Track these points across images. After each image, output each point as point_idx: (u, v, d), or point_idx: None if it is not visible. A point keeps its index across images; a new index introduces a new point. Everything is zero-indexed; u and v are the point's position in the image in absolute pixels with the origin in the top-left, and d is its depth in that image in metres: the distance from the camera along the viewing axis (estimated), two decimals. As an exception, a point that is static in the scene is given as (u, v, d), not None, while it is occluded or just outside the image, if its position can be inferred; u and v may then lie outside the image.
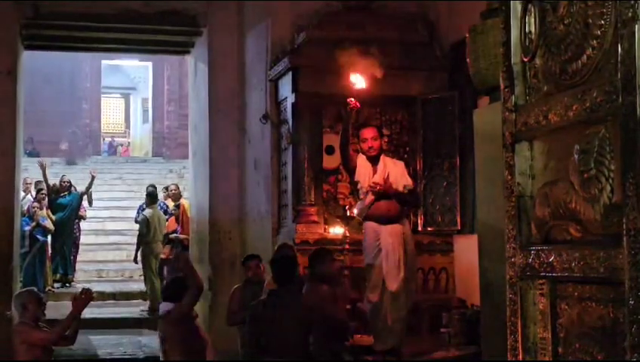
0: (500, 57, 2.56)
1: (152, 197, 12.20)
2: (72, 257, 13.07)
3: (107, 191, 18.10)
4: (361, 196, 6.37)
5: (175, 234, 11.97)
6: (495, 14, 4.17)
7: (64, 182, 13.09)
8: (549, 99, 2.30)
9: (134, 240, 12.61)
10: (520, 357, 2.40)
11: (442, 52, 7.56)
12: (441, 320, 6.73)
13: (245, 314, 5.61)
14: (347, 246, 6.79)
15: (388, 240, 6.11)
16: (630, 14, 1.94)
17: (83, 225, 13.75)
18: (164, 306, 5.62)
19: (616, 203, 2.02)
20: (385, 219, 6.16)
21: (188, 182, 12.44)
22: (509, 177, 2.46)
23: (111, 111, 29.50)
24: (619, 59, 1.98)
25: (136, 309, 11.74)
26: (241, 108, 9.01)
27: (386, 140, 7.24)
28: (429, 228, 7.38)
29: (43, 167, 12.52)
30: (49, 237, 12.41)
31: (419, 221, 7.37)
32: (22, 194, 11.53)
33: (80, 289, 5.63)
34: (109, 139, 27.77)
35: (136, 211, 13.30)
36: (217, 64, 9.11)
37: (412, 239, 6.38)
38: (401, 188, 6.25)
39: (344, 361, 6.05)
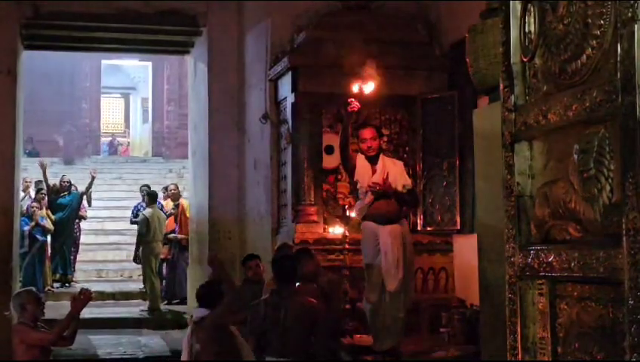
0: (499, 57, 2.56)
1: (152, 197, 12.20)
2: (71, 257, 13.07)
3: (107, 190, 18.11)
4: (361, 196, 6.37)
5: (173, 234, 11.98)
6: (495, 14, 4.17)
7: (64, 182, 13.09)
8: (549, 99, 2.30)
9: (134, 240, 12.62)
10: (519, 357, 2.40)
11: (442, 52, 7.57)
12: (441, 319, 6.73)
13: (245, 314, 5.59)
14: (347, 246, 6.79)
15: (387, 240, 6.11)
16: (630, 14, 1.94)
17: (83, 224, 13.75)
18: (199, 312, 5.34)
19: (616, 203, 2.02)
20: (384, 220, 6.16)
21: (187, 181, 12.44)
22: (509, 177, 2.46)
23: (111, 111, 29.52)
24: (618, 59, 1.98)
25: (135, 309, 11.73)
26: (240, 108, 9.01)
27: (386, 140, 7.25)
28: (429, 228, 7.38)
29: (43, 167, 12.52)
30: (48, 237, 12.41)
31: (418, 221, 7.38)
32: (21, 194, 11.54)
33: (79, 289, 5.61)
34: (110, 138, 27.75)
35: (131, 211, 13.31)
36: (217, 64, 9.12)
37: (411, 239, 6.38)
38: (400, 188, 6.25)
39: (344, 361, 6.05)
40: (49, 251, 12.49)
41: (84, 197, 13.23)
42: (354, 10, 7.72)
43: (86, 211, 13.58)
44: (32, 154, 20.28)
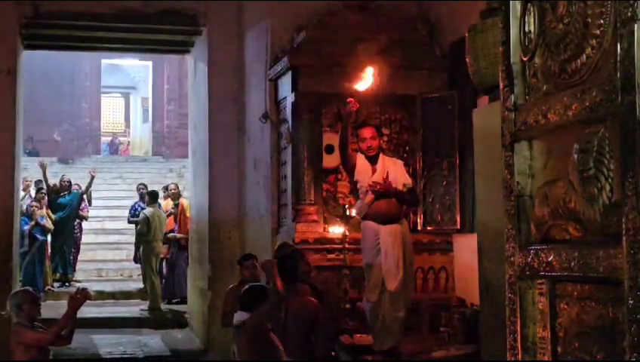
0: (499, 57, 2.56)
1: (152, 197, 12.21)
2: (72, 256, 13.07)
3: (107, 190, 18.11)
4: (361, 195, 6.37)
5: (172, 234, 11.99)
6: (495, 14, 4.17)
7: (64, 181, 13.10)
8: (549, 99, 2.30)
9: (134, 239, 12.62)
10: (519, 357, 2.40)
11: (442, 52, 7.56)
12: (441, 319, 6.73)
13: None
14: (347, 246, 6.79)
15: (387, 239, 6.11)
16: (629, 14, 1.94)
17: (83, 224, 13.74)
18: (239, 316, 5.26)
19: (616, 202, 2.02)
20: (384, 219, 6.16)
21: (187, 181, 12.44)
22: (509, 177, 2.46)
23: (111, 111, 29.51)
24: (618, 58, 1.98)
25: (135, 308, 11.74)
26: (240, 107, 9.01)
27: (386, 139, 7.25)
28: (429, 228, 7.37)
29: (43, 167, 12.53)
30: (48, 237, 12.41)
31: (418, 220, 7.37)
32: (21, 193, 11.54)
33: (77, 288, 5.59)
34: (110, 137, 27.75)
35: (128, 211, 13.31)
36: (217, 63, 9.12)
37: (411, 239, 6.38)
38: (400, 187, 6.25)
39: (344, 361, 6.04)
40: (49, 250, 12.50)
41: (85, 196, 13.24)
42: (354, 10, 7.72)
43: (88, 211, 13.58)
44: (32, 153, 20.30)
